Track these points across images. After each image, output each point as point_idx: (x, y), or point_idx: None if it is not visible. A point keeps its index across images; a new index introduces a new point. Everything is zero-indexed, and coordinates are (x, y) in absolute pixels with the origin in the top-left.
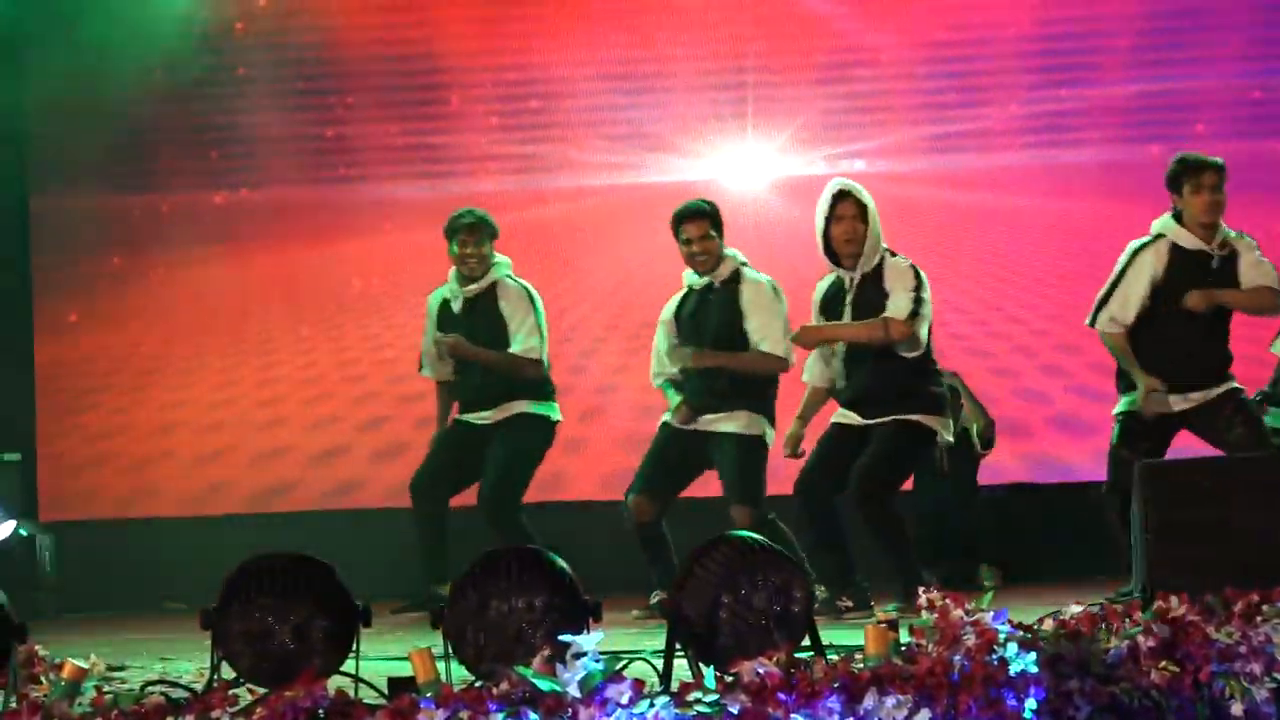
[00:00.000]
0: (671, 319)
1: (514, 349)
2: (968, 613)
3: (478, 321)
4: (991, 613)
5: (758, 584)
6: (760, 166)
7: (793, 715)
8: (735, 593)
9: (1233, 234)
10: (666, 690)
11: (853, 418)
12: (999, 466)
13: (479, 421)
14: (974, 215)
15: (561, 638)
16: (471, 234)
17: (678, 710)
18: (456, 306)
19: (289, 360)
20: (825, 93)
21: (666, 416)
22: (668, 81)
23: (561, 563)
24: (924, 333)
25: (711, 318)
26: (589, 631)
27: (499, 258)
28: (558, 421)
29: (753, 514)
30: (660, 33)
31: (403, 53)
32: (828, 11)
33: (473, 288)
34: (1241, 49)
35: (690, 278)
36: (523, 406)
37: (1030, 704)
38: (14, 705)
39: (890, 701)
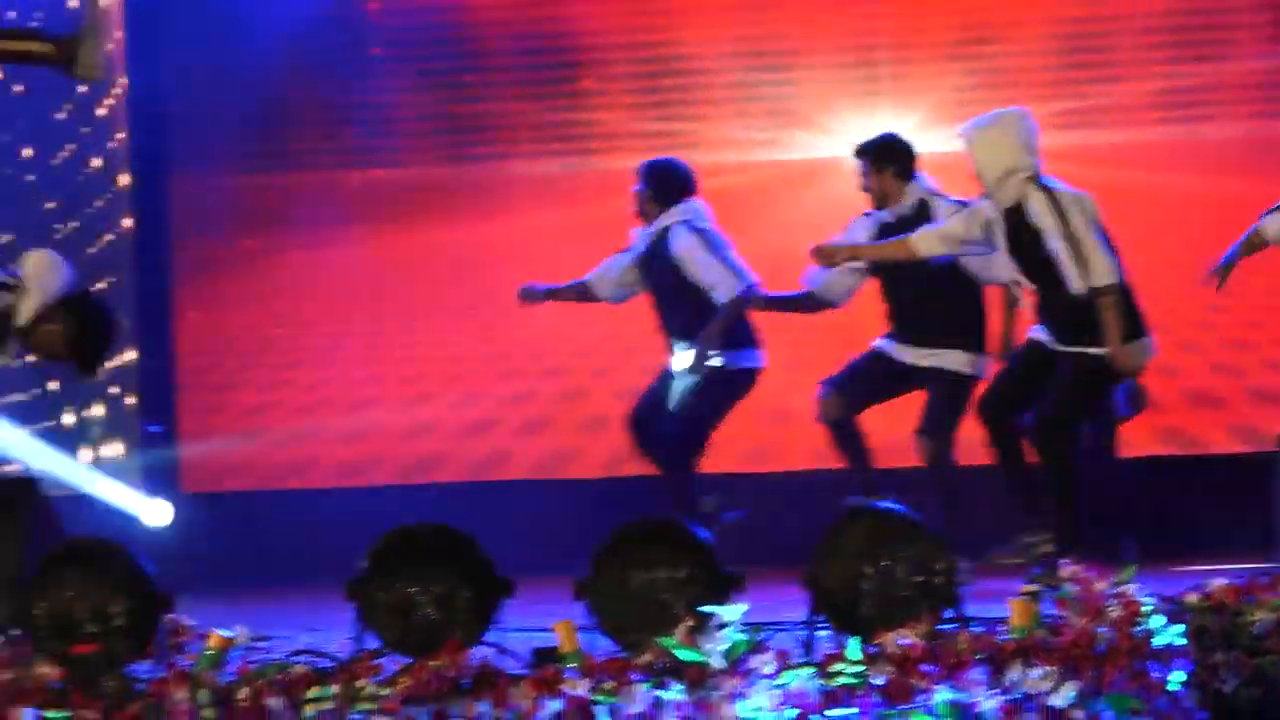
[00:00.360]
0: None
1: None
2: (1111, 585)
3: None
4: (1135, 585)
5: (899, 554)
6: None
7: (936, 687)
8: (877, 563)
9: None
10: (809, 661)
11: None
12: (1134, 439)
13: None
14: (1107, 191)
15: (704, 608)
16: None
17: (821, 681)
18: None
19: (430, 337)
20: (958, 68)
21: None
22: (802, 57)
23: (704, 533)
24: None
25: None
26: (731, 602)
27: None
28: None
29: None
30: (793, 9)
31: (538, 30)
32: None
33: None
34: None
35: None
36: None
37: (1176, 676)
38: (162, 674)
39: (1035, 673)
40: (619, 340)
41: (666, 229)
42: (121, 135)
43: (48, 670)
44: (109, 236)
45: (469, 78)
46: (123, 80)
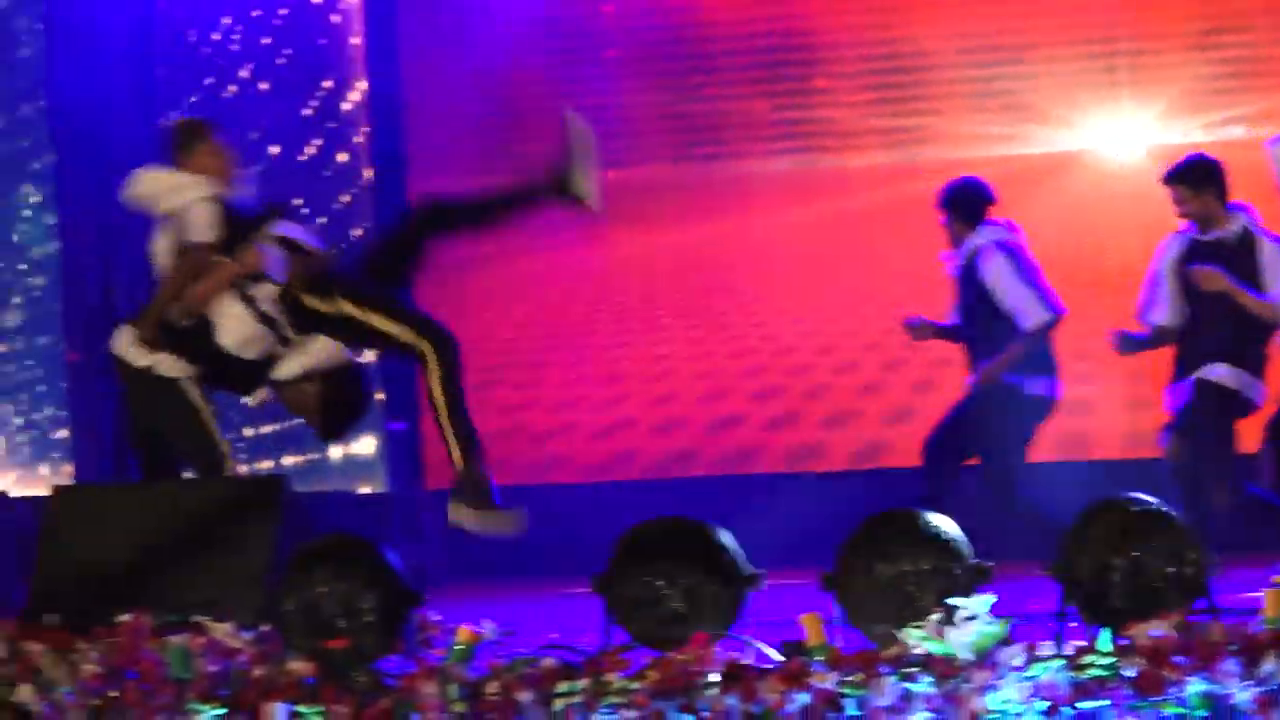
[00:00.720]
0: None
1: None
2: None
3: None
4: None
5: (1150, 545)
6: (1135, 135)
7: (1189, 678)
8: (1127, 554)
9: None
10: (1060, 653)
11: None
12: None
13: None
14: None
15: (951, 600)
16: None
17: (1071, 674)
18: None
19: (676, 335)
20: (1199, 58)
21: None
22: (1038, 51)
23: (950, 524)
24: None
25: None
26: (979, 594)
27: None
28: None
29: None
30: (1030, 2)
31: (771, 29)
32: None
33: None
34: None
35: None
36: None
37: None
38: (411, 669)
39: None
40: (859, 336)
41: (976, 250)
42: (366, 129)
43: (300, 666)
44: (357, 231)
45: (701, 78)
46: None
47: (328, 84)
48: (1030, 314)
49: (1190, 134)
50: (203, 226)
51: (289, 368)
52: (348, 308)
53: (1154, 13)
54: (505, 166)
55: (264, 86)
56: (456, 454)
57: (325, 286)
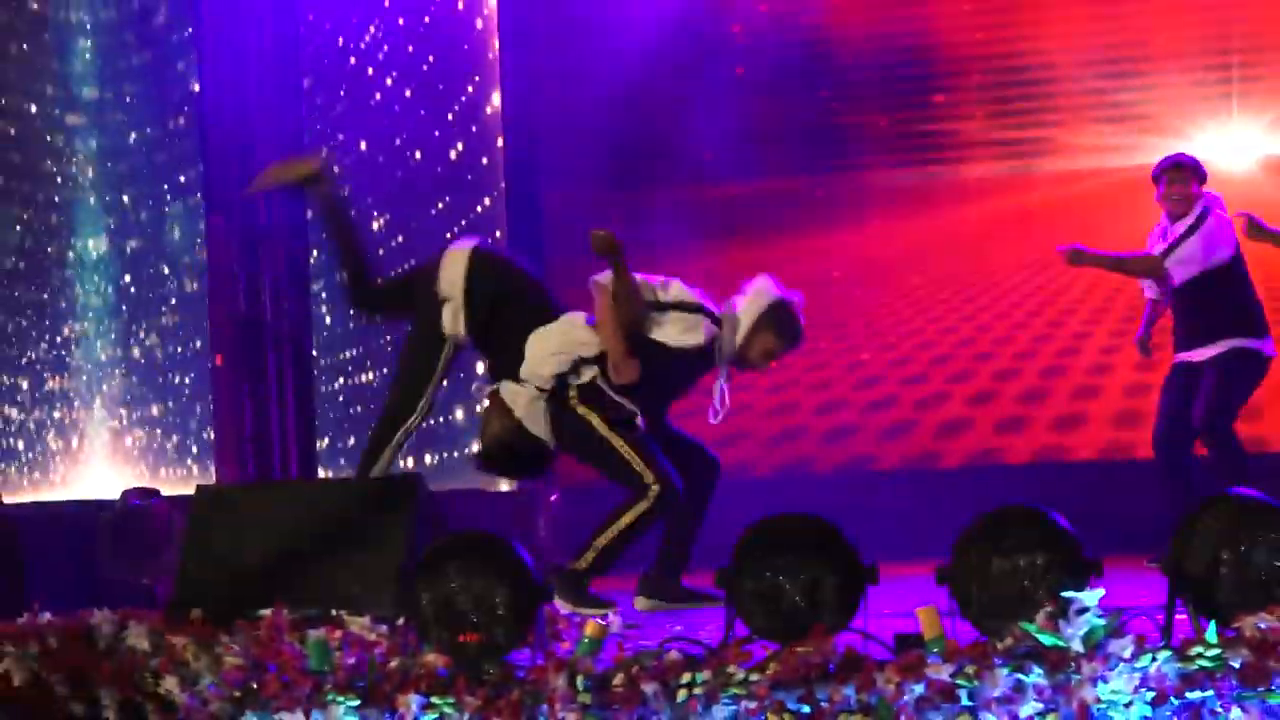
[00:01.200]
0: None
1: None
2: None
3: None
4: None
5: (1259, 539)
6: (1247, 145)
7: None
8: (1236, 548)
9: None
10: (1168, 645)
11: None
12: None
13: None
14: None
15: (1064, 594)
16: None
17: (1180, 664)
18: None
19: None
20: None
21: None
22: (1154, 63)
23: (1062, 520)
24: None
25: None
26: (1090, 587)
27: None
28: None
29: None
30: (1143, 15)
31: (893, 45)
32: None
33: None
34: None
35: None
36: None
37: None
38: (540, 662)
39: None
40: (974, 346)
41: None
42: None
43: (434, 658)
44: (497, 233)
45: (826, 93)
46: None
47: (470, 90)
48: None
49: None
50: None
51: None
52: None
53: (1268, 25)
54: (634, 180)
55: (407, 94)
56: (585, 561)
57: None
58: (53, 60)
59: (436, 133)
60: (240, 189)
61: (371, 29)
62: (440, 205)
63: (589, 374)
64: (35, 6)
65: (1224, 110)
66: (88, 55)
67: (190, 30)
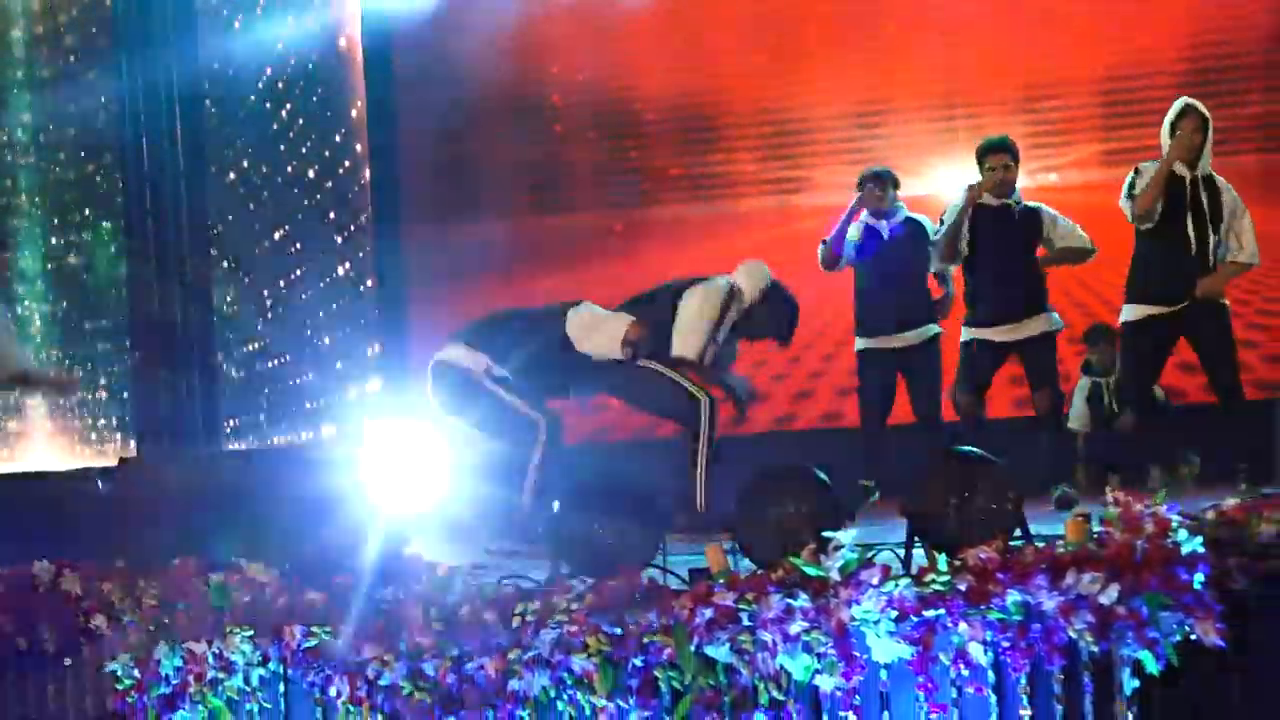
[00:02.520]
0: None
1: None
2: (1146, 507)
3: None
4: (1165, 506)
5: (978, 488)
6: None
7: (1009, 591)
8: (961, 495)
9: None
10: (908, 574)
11: None
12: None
13: None
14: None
15: (824, 533)
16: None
17: (917, 589)
18: None
19: None
20: (1021, 119)
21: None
22: (893, 116)
23: (822, 475)
24: None
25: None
26: (845, 529)
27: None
28: None
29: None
30: (884, 75)
31: (683, 101)
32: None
33: None
34: None
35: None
36: None
37: (1198, 577)
38: (400, 596)
39: (1087, 578)
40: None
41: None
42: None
43: (314, 596)
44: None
45: (629, 141)
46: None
47: (343, 131)
48: None
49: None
50: None
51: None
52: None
53: (985, 81)
54: (473, 212)
55: (294, 131)
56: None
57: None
58: None
59: (315, 168)
60: (157, 215)
61: (268, 70)
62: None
63: None
64: None
65: (952, 152)
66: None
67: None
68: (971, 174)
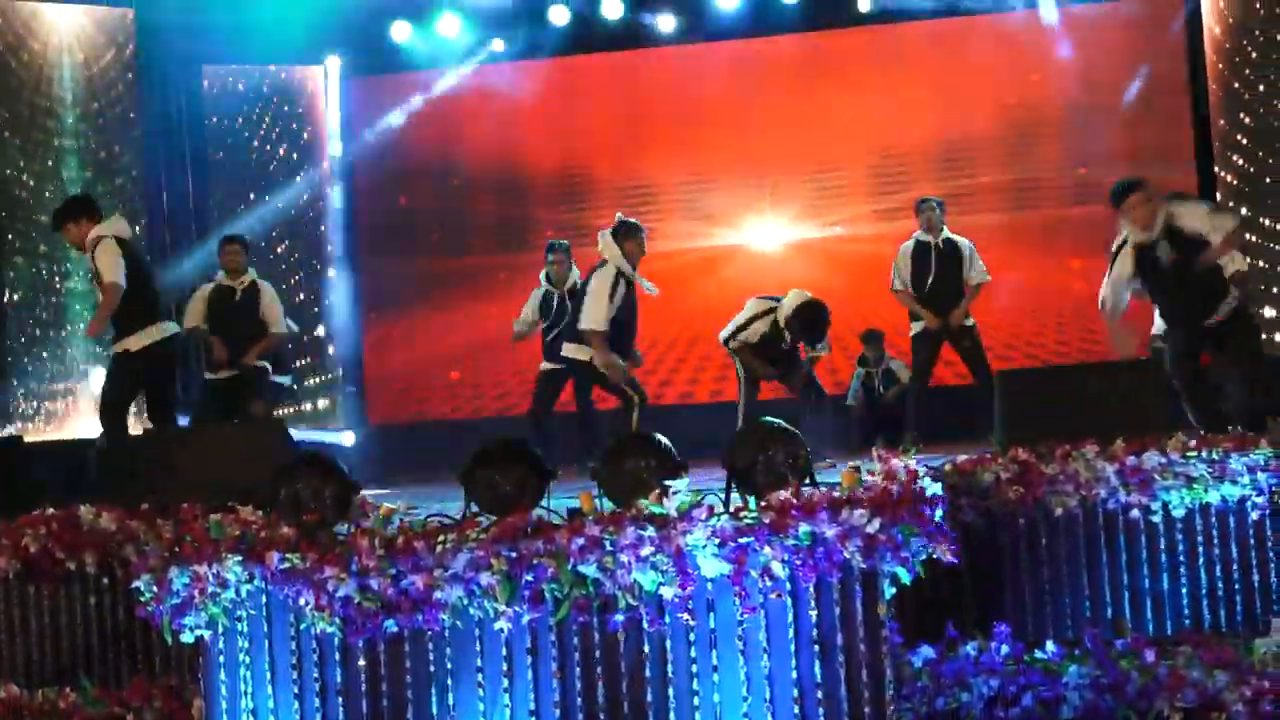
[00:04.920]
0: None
1: None
2: (901, 461)
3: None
4: (915, 460)
5: (778, 447)
6: (777, 233)
7: (801, 524)
8: (766, 453)
9: None
10: (727, 511)
11: None
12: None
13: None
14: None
15: (665, 482)
16: None
17: (734, 522)
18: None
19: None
20: (812, 185)
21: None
22: (718, 179)
23: (664, 439)
24: None
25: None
26: (680, 478)
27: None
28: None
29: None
30: (710, 150)
31: (560, 167)
32: (812, 140)
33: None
34: None
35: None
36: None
37: (939, 512)
38: (353, 530)
39: (857, 514)
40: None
41: None
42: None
43: (288, 530)
44: (331, 271)
45: (510, 195)
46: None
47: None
48: None
49: (808, 232)
50: None
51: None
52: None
53: (786, 159)
54: (393, 248)
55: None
56: None
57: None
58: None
59: (296, 206)
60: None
61: (266, 120)
62: (292, 257)
63: None
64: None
65: (760, 209)
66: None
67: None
68: (779, 225)
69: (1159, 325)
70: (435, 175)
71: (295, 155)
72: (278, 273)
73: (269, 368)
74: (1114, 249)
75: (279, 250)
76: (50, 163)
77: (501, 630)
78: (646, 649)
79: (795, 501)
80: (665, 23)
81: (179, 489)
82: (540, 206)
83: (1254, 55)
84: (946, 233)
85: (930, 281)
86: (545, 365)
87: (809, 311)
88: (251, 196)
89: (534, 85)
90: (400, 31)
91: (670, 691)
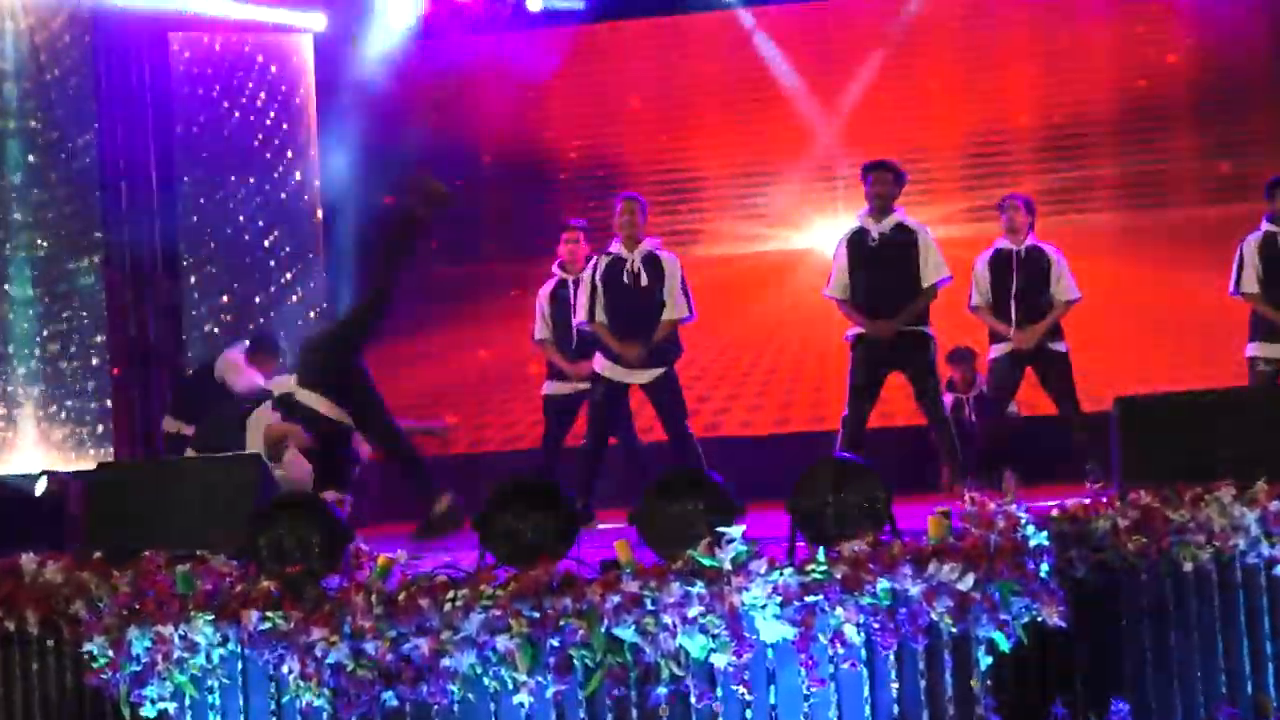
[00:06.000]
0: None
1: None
2: (998, 506)
3: None
4: (1015, 505)
5: (852, 489)
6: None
7: (879, 579)
8: (837, 495)
9: None
10: (791, 564)
11: None
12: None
13: None
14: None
15: (717, 529)
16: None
17: (799, 577)
18: None
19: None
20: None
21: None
22: (780, 176)
23: (716, 476)
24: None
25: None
26: (735, 525)
27: None
28: None
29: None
30: (773, 140)
31: (590, 156)
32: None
33: None
34: None
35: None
36: None
37: (1044, 567)
38: (345, 584)
39: (947, 568)
40: None
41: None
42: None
43: (268, 584)
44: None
45: (544, 192)
46: None
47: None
48: None
49: None
50: None
51: None
52: None
53: (862, 146)
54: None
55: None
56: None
57: None
58: None
59: (267, 216)
60: (131, 241)
61: (236, 114)
62: (272, 264)
63: None
64: None
65: (831, 207)
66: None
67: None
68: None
69: (1259, 347)
70: (434, 162)
71: (285, 126)
72: (265, 271)
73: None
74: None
75: (266, 244)
76: None
77: (521, 705)
78: None
79: (872, 553)
80: None
81: (139, 534)
82: (559, 202)
83: None
84: (1032, 239)
85: (1010, 296)
86: (592, 370)
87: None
88: (233, 179)
89: (554, 56)
90: None
91: None
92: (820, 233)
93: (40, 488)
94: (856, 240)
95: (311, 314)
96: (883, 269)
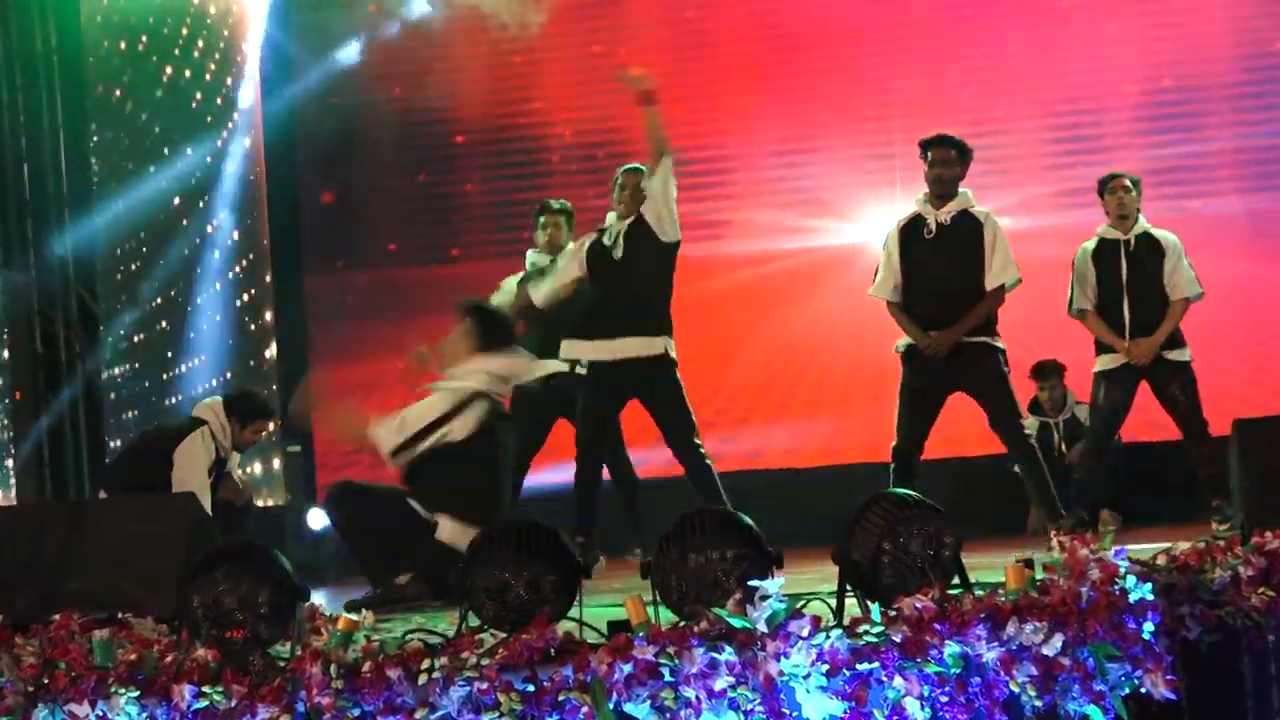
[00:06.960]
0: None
1: None
2: (1092, 552)
3: None
4: (1112, 550)
5: (913, 532)
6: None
7: (947, 643)
8: (895, 540)
9: None
10: (840, 624)
11: None
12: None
13: None
14: None
15: (750, 583)
16: None
17: (849, 640)
18: None
19: None
20: None
21: None
22: (827, 154)
23: (747, 519)
24: None
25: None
26: (772, 577)
27: None
28: None
29: None
30: (819, 114)
31: (598, 139)
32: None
33: None
34: None
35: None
36: None
37: (1148, 626)
38: (298, 652)
39: (1029, 628)
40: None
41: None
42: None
43: (204, 653)
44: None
45: (540, 180)
46: None
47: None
48: None
49: None
50: None
51: None
52: None
53: (924, 119)
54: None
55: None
56: None
57: None
58: None
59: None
60: (36, 246)
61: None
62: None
63: None
64: None
65: (888, 192)
66: None
67: None
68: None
69: None
70: (403, 141)
71: (226, 90)
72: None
73: None
74: None
75: (209, 231)
76: None
77: None
78: None
79: (938, 611)
80: None
81: (48, 592)
82: (553, 189)
83: None
84: (1144, 224)
85: (1122, 297)
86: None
87: None
88: (166, 151)
89: (540, 7)
90: None
91: None
92: (876, 223)
93: None
94: (910, 230)
95: (260, 321)
96: (940, 266)
